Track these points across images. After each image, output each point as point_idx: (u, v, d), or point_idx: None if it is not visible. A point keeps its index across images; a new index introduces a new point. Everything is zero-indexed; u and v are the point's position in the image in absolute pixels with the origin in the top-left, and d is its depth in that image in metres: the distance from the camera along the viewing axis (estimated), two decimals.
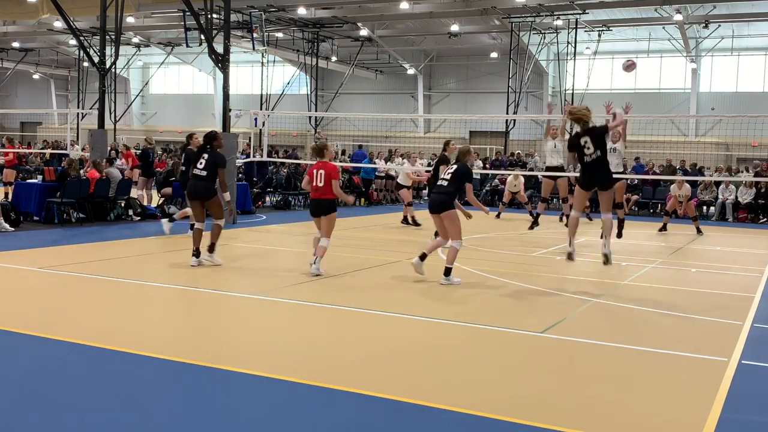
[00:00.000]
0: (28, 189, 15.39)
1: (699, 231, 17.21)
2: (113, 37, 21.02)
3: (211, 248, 10.25)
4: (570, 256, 9.71)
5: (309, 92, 37.87)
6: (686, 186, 17.68)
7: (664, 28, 32.35)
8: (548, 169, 14.77)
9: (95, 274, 9.32)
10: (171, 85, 48.35)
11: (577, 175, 9.76)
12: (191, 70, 46.06)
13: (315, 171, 9.85)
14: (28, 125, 50.85)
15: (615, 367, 6.16)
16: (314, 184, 9.81)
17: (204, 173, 10.19)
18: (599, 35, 32.28)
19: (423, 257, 9.67)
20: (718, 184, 22.26)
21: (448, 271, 9.44)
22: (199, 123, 44.99)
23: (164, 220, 13.53)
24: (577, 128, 9.63)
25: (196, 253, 10.20)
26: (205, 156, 10.28)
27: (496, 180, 25.15)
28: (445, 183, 9.55)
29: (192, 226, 10.91)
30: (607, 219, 9.52)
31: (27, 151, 29.51)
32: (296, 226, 16.42)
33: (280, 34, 34.45)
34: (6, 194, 15.68)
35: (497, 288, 9.57)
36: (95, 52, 20.66)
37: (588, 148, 9.18)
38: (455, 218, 9.42)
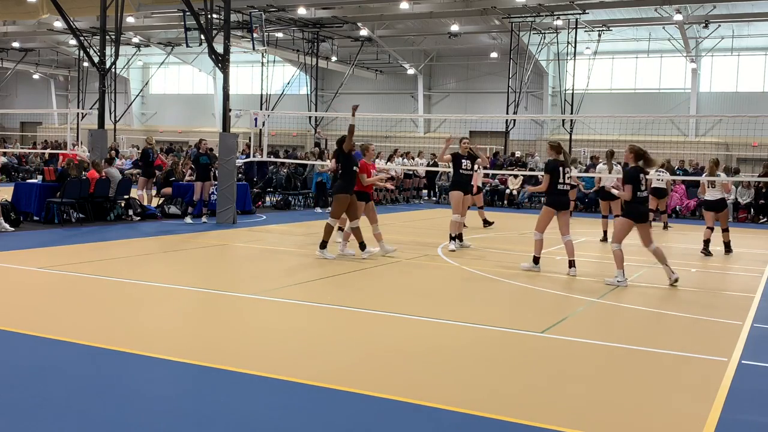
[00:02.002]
0: (28, 189, 15.38)
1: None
2: (113, 37, 21.02)
3: (323, 245, 11.35)
4: (676, 281, 9.92)
5: (309, 92, 37.86)
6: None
7: (664, 28, 32.33)
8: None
9: (95, 274, 9.32)
10: (171, 85, 48.34)
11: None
12: (191, 70, 46.05)
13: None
14: (28, 125, 50.85)
15: (615, 367, 6.15)
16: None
17: (339, 172, 11.38)
18: (599, 35, 32.27)
19: (572, 264, 10.57)
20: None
21: (572, 263, 10.53)
22: (199, 123, 45.03)
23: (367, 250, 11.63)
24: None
25: (361, 246, 11.41)
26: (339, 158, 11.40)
27: (497, 180, 25.15)
28: (568, 186, 10.75)
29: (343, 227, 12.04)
30: (657, 250, 10.03)
31: (17, 150, 29.45)
32: (296, 226, 16.42)
33: (280, 34, 34.44)
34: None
35: (497, 288, 9.57)
36: (95, 52, 20.66)
37: (642, 185, 9.86)
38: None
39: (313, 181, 20.70)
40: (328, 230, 11.41)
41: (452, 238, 12.76)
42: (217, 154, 17.35)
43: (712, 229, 13.70)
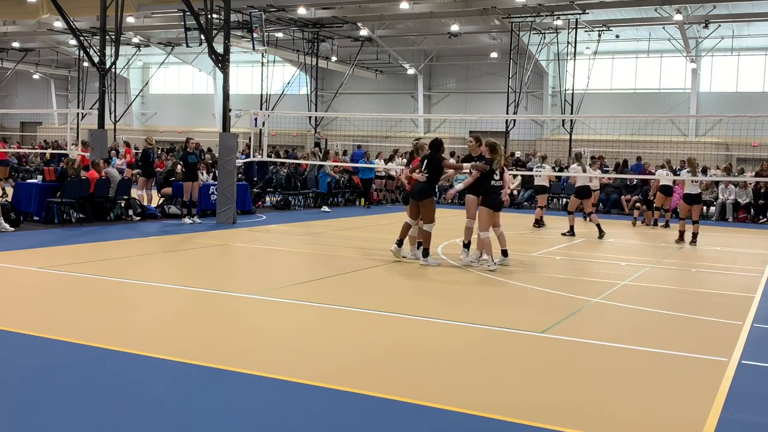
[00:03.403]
0: (28, 189, 15.38)
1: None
2: (113, 37, 21.01)
3: (425, 253, 11.05)
4: (489, 268, 10.66)
5: (309, 92, 37.83)
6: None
7: (664, 28, 32.30)
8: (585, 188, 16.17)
9: (95, 274, 9.32)
10: (171, 85, 48.33)
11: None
12: (191, 70, 46.03)
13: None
14: (28, 125, 50.83)
15: (615, 367, 6.15)
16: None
17: (427, 176, 11.08)
18: (599, 35, 32.25)
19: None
20: (717, 183, 22.26)
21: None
22: (199, 123, 45.02)
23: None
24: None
25: (398, 243, 11.38)
26: (426, 161, 11.18)
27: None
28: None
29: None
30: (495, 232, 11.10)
31: (14, 149, 29.43)
32: (296, 226, 16.43)
33: (280, 34, 34.43)
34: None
35: (497, 288, 9.57)
36: (95, 52, 20.66)
37: (497, 175, 10.96)
38: None
39: (323, 182, 20.92)
40: (427, 237, 11.08)
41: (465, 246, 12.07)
42: (217, 154, 17.35)
43: (685, 219, 15.08)
